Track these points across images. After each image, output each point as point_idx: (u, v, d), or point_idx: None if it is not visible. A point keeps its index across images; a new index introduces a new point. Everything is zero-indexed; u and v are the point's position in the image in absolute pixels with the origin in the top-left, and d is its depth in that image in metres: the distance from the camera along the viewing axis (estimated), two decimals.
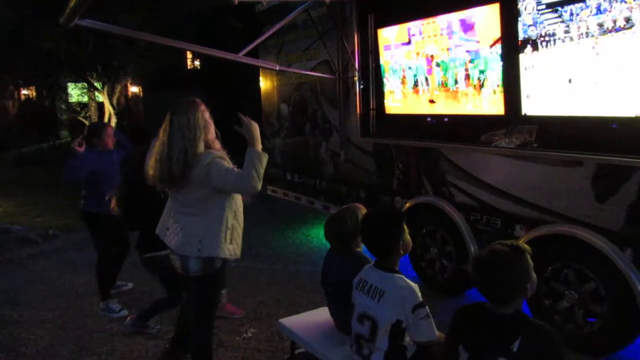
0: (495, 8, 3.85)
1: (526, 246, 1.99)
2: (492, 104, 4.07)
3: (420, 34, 4.56)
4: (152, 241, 3.19)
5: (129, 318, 3.99)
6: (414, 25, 4.60)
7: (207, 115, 2.78)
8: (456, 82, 4.32)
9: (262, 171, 2.62)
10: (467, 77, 4.22)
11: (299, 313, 3.28)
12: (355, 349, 2.44)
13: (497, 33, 3.87)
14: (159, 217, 2.99)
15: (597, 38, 3.22)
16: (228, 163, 2.73)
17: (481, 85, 4.11)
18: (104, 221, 4.26)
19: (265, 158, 2.65)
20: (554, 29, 3.45)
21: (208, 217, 2.75)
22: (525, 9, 3.60)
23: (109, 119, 11.87)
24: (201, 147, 2.68)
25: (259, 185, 2.61)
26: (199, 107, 2.76)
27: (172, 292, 3.69)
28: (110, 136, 4.40)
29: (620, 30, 3.09)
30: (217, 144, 2.83)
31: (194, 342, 2.98)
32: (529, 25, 3.58)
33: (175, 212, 2.85)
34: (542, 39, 3.53)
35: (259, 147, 2.65)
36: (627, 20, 3.05)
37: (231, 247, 2.81)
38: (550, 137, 3.69)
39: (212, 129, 2.80)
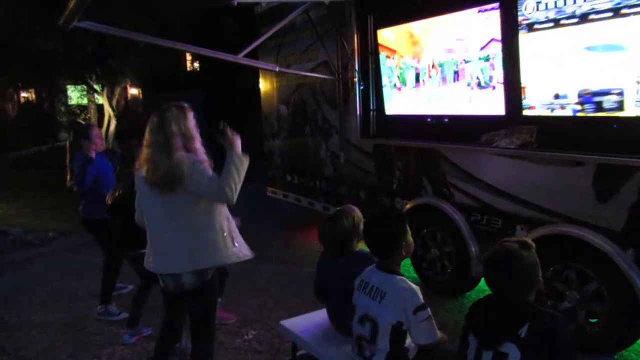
0: (495, 9, 3.84)
1: (532, 242, 1.99)
2: (492, 104, 4.06)
3: (420, 34, 4.55)
4: (135, 237, 3.13)
5: (124, 335, 3.87)
6: (414, 26, 4.60)
7: (192, 124, 2.73)
8: (456, 82, 4.31)
9: (238, 178, 2.56)
10: (467, 77, 4.21)
11: (300, 315, 3.27)
12: (357, 350, 2.42)
13: (497, 33, 3.86)
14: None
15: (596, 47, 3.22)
16: (208, 170, 2.64)
17: (481, 86, 4.10)
18: (106, 226, 4.13)
19: (246, 161, 2.58)
20: (554, 32, 3.43)
21: (196, 227, 2.65)
22: (525, 9, 3.59)
23: (109, 122, 11.87)
24: (177, 155, 2.61)
25: (232, 196, 2.55)
26: (187, 115, 2.72)
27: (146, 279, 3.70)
28: (99, 136, 4.34)
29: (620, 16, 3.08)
30: (201, 152, 2.74)
31: (197, 351, 2.90)
32: (529, 26, 3.57)
33: (159, 231, 2.73)
34: (542, 40, 3.51)
35: (238, 150, 2.59)
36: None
37: (235, 250, 2.75)
38: (550, 137, 3.68)
39: (197, 137, 2.74)
